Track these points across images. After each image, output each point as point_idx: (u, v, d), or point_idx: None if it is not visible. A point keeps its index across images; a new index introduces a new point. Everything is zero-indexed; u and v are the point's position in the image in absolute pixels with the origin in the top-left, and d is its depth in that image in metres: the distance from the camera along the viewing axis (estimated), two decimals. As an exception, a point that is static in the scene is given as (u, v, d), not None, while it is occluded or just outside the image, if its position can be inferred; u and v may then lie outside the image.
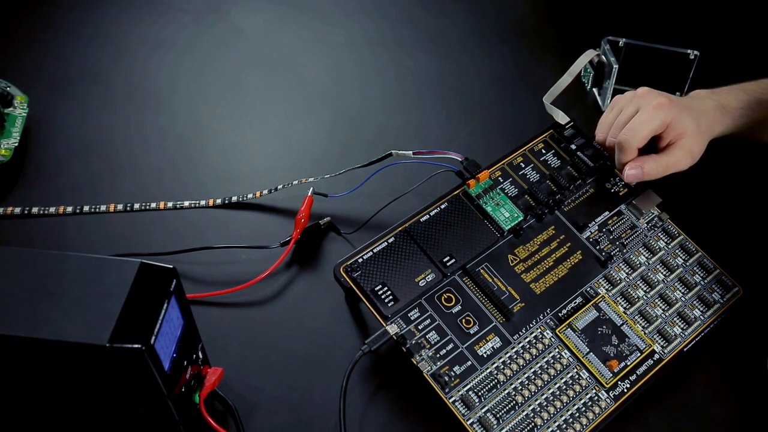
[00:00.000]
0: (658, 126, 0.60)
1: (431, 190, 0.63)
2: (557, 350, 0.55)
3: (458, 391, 0.53)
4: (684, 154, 0.61)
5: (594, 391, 0.54)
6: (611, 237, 0.61)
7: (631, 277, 0.59)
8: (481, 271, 0.58)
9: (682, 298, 0.59)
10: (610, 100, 0.73)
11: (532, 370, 0.54)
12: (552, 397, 0.53)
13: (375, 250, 0.58)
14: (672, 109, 0.60)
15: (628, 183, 0.64)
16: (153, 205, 0.66)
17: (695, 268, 0.60)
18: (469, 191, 0.61)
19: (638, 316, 0.58)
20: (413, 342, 0.54)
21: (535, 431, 0.52)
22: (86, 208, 0.65)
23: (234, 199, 0.66)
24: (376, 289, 0.56)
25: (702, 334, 0.57)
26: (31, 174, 0.68)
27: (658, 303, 0.58)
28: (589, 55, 0.73)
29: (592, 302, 0.58)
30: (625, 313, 0.58)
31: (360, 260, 0.57)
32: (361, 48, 0.81)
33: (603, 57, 0.73)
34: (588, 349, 0.55)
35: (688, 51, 0.72)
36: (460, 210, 0.61)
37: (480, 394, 0.53)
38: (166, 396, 0.45)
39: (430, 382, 0.53)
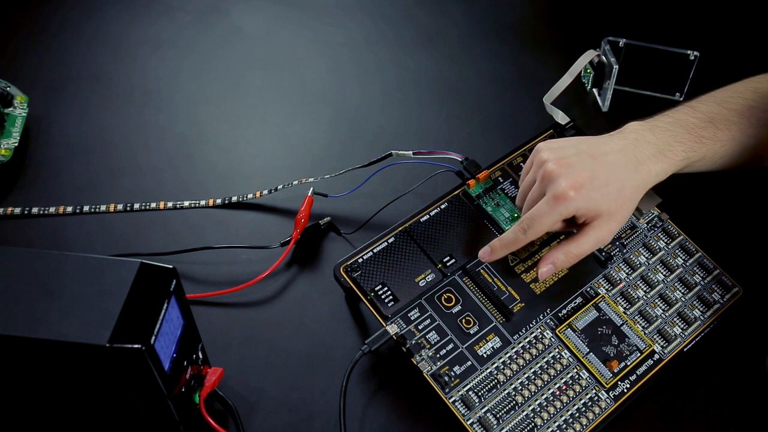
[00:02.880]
0: (558, 221, 0.54)
1: (431, 190, 0.63)
2: (557, 350, 0.55)
3: (458, 391, 0.53)
4: (599, 236, 0.55)
5: (594, 391, 0.54)
6: (611, 237, 0.61)
7: (631, 277, 0.59)
8: (481, 271, 0.58)
9: (682, 298, 0.59)
10: (610, 101, 0.73)
11: (532, 370, 0.54)
12: (552, 397, 0.53)
13: (375, 250, 0.58)
14: (578, 199, 0.53)
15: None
16: (153, 205, 0.66)
17: (695, 268, 0.60)
18: (469, 191, 0.61)
19: (638, 316, 0.58)
20: (413, 342, 0.54)
21: (535, 431, 0.52)
22: (86, 208, 0.65)
23: (234, 199, 0.66)
24: (376, 289, 0.56)
25: (702, 334, 0.57)
26: (31, 174, 0.68)
27: (658, 303, 0.58)
28: (589, 55, 0.73)
29: (592, 302, 0.58)
30: (625, 313, 0.58)
31: (360, 260, 0.57)
32: (361, 48, 0.81)
33: (603, 57, 0.73)
34: (588, 349, 0.55)
35: (688, 51, 0.72)
36: (460, 210, 0.61)
37: (480, 394, 0.53)
38: (166, 396, 0.45)
39: (430, 382, 0.53)
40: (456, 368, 0.54)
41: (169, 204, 0.66)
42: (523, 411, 0.53)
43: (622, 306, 0.58)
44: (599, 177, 0.53)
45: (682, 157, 0.56)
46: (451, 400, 0.52)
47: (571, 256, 0.55)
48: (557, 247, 0.55)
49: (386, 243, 0.58)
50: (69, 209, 0.65)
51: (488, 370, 0.54)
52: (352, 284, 0.56)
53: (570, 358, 0.55)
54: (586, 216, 0.54)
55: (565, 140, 0.57)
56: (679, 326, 0.58)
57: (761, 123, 0.59)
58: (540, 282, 0.58)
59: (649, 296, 0.59)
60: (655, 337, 0.57)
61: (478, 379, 0.53)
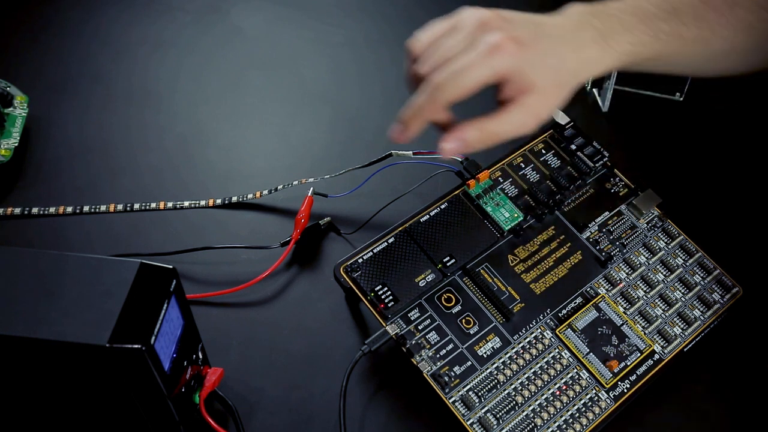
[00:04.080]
0: (488, 78, 0.45)
1: (431, 190, 0.63)
2: (557, 350, 0.55)
3: (458, 391, 0.53)
4: (525, 118, 0.46)
5: (594, 391, 0.54)
6: (611, 237, 0.61)
7: (631, 277, 0.59)
8: (481, 271, 0.58)
9: (682, 299, 0.59)
10: (610, 101, 0.73)
11: (532, 370, 0.54)
12: (552, 398, 0.53)
13: (375, 251, 0.58)
14: (516, 56, 0.44)
15: (451, 156, 0.49)
16: (153, 205, 0.66)
17: (695, 268, 0.60)
18: (469, 191, 0.61)
19: (638, 316, 0.58)
20: (413, 342, 0.54)
21: (535, 431, 0.52)
22: (86, 208, 0.65)
23: (234, 199, 0.66)
24: (376, 289, 0.56)
25: (702, 334, 0.57)
26: (31, 174, 0.68)
27: (658, 303, 0.58)
28: (589, 55, 0.73)
29: (592, 302, 0.58)
30: (625, 313, 0.58)
31: (360, 260, 0.57)
32: (361, 48, 0.81)
33: (603, 57, 0.73)
34: (588, 350, 0.55)
35: (688, 51, 0.72)
36: (460, 210, 0.61)
37: (480, 394, 0.53)
38: (166, 396, 0.45)
39: (430, 382, 0.53)
40: (456, 368, 0.54)
41: (169, 204, 0.66)
42: (523, 411, 0.53)
43: (622, 306, 0.58)
44: (541, 44, 0.45)
45: (628, 51, 0.48)
46: (451, 400, 0.52)
47: (486, 133, 0.46)
48: (470, 122, 0.46)
49: (386, 243, 0.58)
50: (69, 209, 0.65)
51: (488, 371, 0.54)
52: (352, 284, 0.56)
53: (570, 358, 0.55)
54: (518, 84, 0.45)
55: (495, 9, 0.48)
56: (679, 326, 0.58)
57: (742, 26, 0.50)
58: (540, 282, 0.58)
59: (649, 296, 0.59)
60: (655, 337, 0.57)
61: (478, 379, 0.53)
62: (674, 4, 0.49)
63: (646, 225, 0.62)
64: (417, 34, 0.49)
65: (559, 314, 0.57)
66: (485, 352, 0.55)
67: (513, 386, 0.53)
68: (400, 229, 0.59)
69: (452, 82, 0.44)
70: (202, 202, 0.67)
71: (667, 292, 0.59)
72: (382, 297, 0.56)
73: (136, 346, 0.41)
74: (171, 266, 0.45)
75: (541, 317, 0.57)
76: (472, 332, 0.55)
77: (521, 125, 0.46)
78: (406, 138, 0.46)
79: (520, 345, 0.55)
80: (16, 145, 0.67)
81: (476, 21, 0.45)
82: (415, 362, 0.53)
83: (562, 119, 0.68)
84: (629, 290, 0.59)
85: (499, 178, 0.63)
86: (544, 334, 0.56)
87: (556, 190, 0.62)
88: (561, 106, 0.48)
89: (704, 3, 0.50)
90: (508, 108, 0.46)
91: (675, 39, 0.49)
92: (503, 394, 0.53)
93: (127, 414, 0.46)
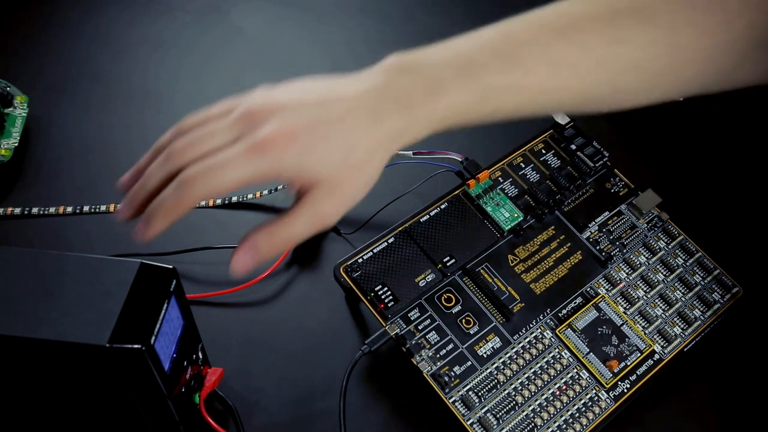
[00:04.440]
0: (249, 179, 0.37)
1: (431, 190, 0.63)
2: (557, 350, 0.55)
3: (458, 391, 0.53)
4: (317, 216, 0.39)
5: (594, 391, 0.54)
6: (611, 237, 0.61)
7: (631, 277, 0.59)
8: (481, 271, 0.58)
9: (682, 298, 0.59)
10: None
11: (532, 370, 0.54)
12: (552, 398, 0.53)
13: (375, 250, 0.58)
14: (286, 153, 0.37)
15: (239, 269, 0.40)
16: (153, 205, 0.66)
17: (695, 268, 0.60)
18: (469, 191, 0.61)
19: (638, 316, 0.58)
20: (413, 342, 0.54)
21: (535, 431, 0.52)
22: (86, 208, 0.65)
23: (234, 199, 0.66)
24: (376, 289, 0.56)
25: (702, 334, 0.57)
26: (31, 174, 0.68)
27: (658, 303, 0.58)
28: (589, 55, 0.73)
29: (592, 302, 0.58)
30: (625, 313, 0.58)
31: (360, 260, 0.57)
32: (361, 48, 0.81)
33: (603, 57, 0.73)
34: (588, 350, 0.55)
35: (688, 51, 0.72)
36: (460, 210, 0.61)
37: (480, 394, 0.53)
38: (166, 396, 0.45)
39: (430, 382, 0.53)
40: (456, 368, 0.54)
41: (169, 204, 0.66)
42: (523, 411, 0.53)
43: (622, 306, 0.58)
44: (319, 132, 0.37)
45: (446, 114, 0.40)
46: (451, 400, 0.52)
47: (277, 239, 0.39)
48: (261, 227, 0.39)
49: (386, 243, 0.58)
50: (69, 209, 0.65)
51: (488, 371, 0.54)
52: (352, 284, 0.56)
53: (570, 358, 0.55)
54: (298, 180, 0.38)
55: (289, 83, 0.41)
56: (679, 326, 0.58)
57: (628, 65, 0.43)
58: (540, 282, 0.58)
59: (649, 296, 0.59)
60: (655, 337, 0.57)
61: (478, 379, 0.53)
62: (519, 46, 0.41)
63: (646, 225, 0.62)
64: (186, 118, 0.42)
65: (559, 314, 0.57)
66: (485, 352, 0.55)
67: (513, 386, 0.53)
68: (400, 229, 0.59)
69: (205, 180, 0.36)
70: (202, 202, 0.66)
71: (667, 292, 0.59)
72: (382, 297, 0.56)
73: (136, 346, 0.41)
74: (171, 266, 0.45)
75: (541, 317, 0.57)
76: (472, 332, 0.55)
77: (315, 222, 0.39)
78: (148, 237, 0.38)
79: (520, 345, 0.55)
80: (16, 145, 0.67)
81: (247, 110, 0.38)
82: (415, 362, 0.54)
83: (562, 119, 0.68)
84: (629, 290, 0.59)
85: (499, 178, 0.63)
86: (544, 334, 0.56)
87: (556, 190, 0.62)
88: (368, 186, 0.40)
89: (566, 41, 0.42)
90: (298, 207, 0.39)
91: (514, 93, 0.41)
92: (503, 394, 0.53)
93: (127, 414, 0.46)
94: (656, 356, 0.56)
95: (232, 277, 0.42)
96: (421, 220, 0.60)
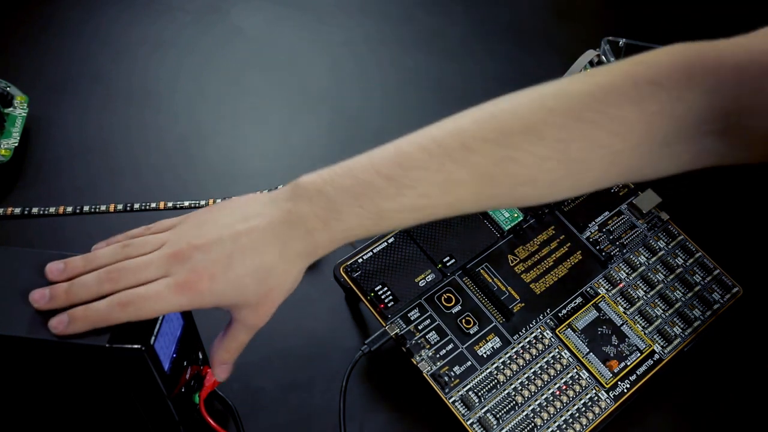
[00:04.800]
0: (172, 311, 0.43)
1: (431, 190, 0.62)
2: (557, 350, 0.55)
3: (458, 391, 0.53)
4: (250, 328, 0.46)
5: (594, 391, 0.54)
6: (611, 237, 0.61)
7: (631, 277, 0.59)
8: (481, 271, 0.58)
9: (682, 298, 0.59)
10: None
11: (532, 370, 0.54)
12: (552, 398, 0.53)
13: (375, 250, 0.58)
14: (207, 294, 0.42)
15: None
16: (153, 205, 0.66)
17: (695, 268, 0.60)
18: (469, 191, 0.61)
19: (638, 316, 0.58)
20: (413, 342, 0.54)
21: (535, 431, 0.52)
22: (86, 208, 0.65)
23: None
24: (376, 289, 0.56)
25: (702, 334, 0.57)
26: (31, 174, 0.68)
27: (658, 303, 0.58)
28: (589, 55, 0.73)
29: (592, 302, 0.58)
30: (625, 313, 0.58)
31: (360, 260, 0.57)
32: (361, 48, 0.81)
33: (603, 57, 0.73)
34: (588, 349, 0.55)
35: (688, 51, 0.72)
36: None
37: (480, 394, 0.53)
38: (166, 396, 0.45)
39: (430, 382, 0.53)
40: (456, 368, 0.54)
41: (169, 204, 0.66)
42: (523, 411, 0.53)
43: (622, 306, 0.58)
44: (236, 266, 0.42)
45: (347, 234, 0.44)
46: (451, 400, 0.52)
47: (232, 350, 0.47)
48: (219, 347, 0.48)
49: (386, 243, 0.58)
50: (69, 209, 0.65)
51: (488, 370, 0.54)
52: (352, 284, 0.56)
53: (570, 358, 0.55)
54: (223, 307, 0.45)
55: (218, 209, 0.46)
56: (679, 326, 0.58)
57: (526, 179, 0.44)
58: (540, 282, 0.58)
59: (649, 296, 0.59)
60: (655, 337, 0.57)
61: (478, 379, 0.53)
62: (413, 170, 0.43)
63: (646, 225, 0.62)
64: (118, 238, 0.47)
65: (559, 314, 0.57)
66: (485, 352, 0.55)
67: (513, 386, 0.53)
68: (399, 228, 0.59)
69: (136, 306, 0.41)
70: (202, 202, 0.66)
71: (667, 292, 0.59)
72: (382, 297, 0.56)
73: (136, 346, 0.41)
74: (171, 266, 0.45)
75: (541, 317, 0.57)
76: (472, 332, 0.55)
77: (251, 330, 0.47)
78: (67, 333, 0.41)
79: (520, 345, 0.55)
80: (16, 145, 0.67)
81: (173, 251, 0.43)
82: (415, 362, 0.54)
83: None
84: (629, 290, 0.59)
85: (499, 178, 0.63)
86: (544, 334, 0.56)
87: (556, 190, 0.62)
88: (288, 293, 0.46)
89: (458, 163, 0.43)
90: (234, 326, 0.46)
91: (408, 213, 0.44)
92: (503, 394, 0.53)
93: (127, 414, 0.46)
94: (656, 356, 0.56)
95: (219, 380, 0.50)
96: (421, 220, 0.60)
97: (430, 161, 0.43)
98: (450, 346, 0.54)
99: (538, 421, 0.52)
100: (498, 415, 0.52)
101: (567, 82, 0.45)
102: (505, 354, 0.55)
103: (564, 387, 0.54)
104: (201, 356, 0.51)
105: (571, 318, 0.57)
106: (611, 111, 0.43)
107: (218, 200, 0.66)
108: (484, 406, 0.52)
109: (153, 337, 0.42)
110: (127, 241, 0.45)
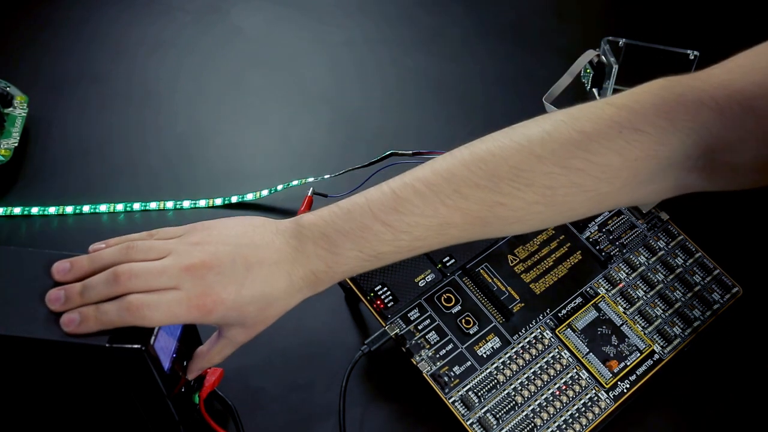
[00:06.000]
0: (177, 323, 0.44)
1: (431, 190, 0.62)
2: (557, 350, 0.55)
3: (458, 391, 0.53)
4: (235, 344, 0.48)
5: (594, 391, 0.54)
6: (611, 237, 0.61)
7: (631, 277, 0.59)
8: (481, 271, 0.58)
9: (682, 299, 0.59)
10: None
11: (532, 370, 0.54)
12: (552, 398, 0.53)
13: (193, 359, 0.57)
14: (215, 315, 0.44)
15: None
16: (153, 205, 0.66)
17: (695, 268, 0.60)
18: (469, 191, 0.61)
19: (638, 316, 0.58)
20: (413, 342, 0.54)
21: (534, 431, 0.52)
22: (86, 208, 0.65)
23: (234, 199, 0.66)
24: (375, 289, 0.56)
25: (702, 334, 0.57)
26: (31, 174, 0.68)
27: (658, 303, 0.58)
28: (589, 55, 0.73)
29: (591, 302, 0.58)
30: (624, 313, 0.58)
31: (360, 260, 0.57)
32: (361, 48, 0.81)
33: (603, 57, 0.73)
34: (588, 349, 0.55)
35: (688, 51, 0.72)
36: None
37: (480, 394, 0.53)
38: (166, 396, 0.45)
39: (430, 382, 0.53)
40: (456, 368, 0.54)
41: (169, 204, 0.66)
42: (522, 411, 0.53)
43: (622, 306, 0.58)
44: (245, 295, 0.44)
45: (347, 274, 0.47)
46: (450, 400, 0.52)
47: (216, 360, 0.49)
48: (203, 357, 0.49)
49: (386, 243, 0.58)
50: (69, 209, 0.65)
51: (488, 371, 0.54)
52: (352, 284, 0.56)
53: (570, 358, 0.55)
54: (221, 325, 0.47)
55: (225, 227, 0.47)
56: (679, 326, 0.58)
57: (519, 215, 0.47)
58: (540, 282, 0.58)
59: (649, 296, 0.59)
60: (655, 337, 0.57)
61: (478, 379, 0.53)
62: (410, 216, 0.45)
63: (646, 225, 0.62)
64: (139, 237, 0.47)
65: (559, 314, 0.57)
66: (485, 352, 0.55)
67: (513, 386, 0.53)
68: (400, 229, 0.59)
69: (146, 312, 0.42)
70: (202, 202, 0.66)
71: (667, 292, 0.59)
72: (382, 297, 0.56)
73: (135, 346, 0.41)
74: (171, 266, 0.45)
75: (541, 317, 0.57)
76: (471, 332, 0.55)
77: (234, 348, 0.48)
78: (79, 331, 0.42)
79: (520, 345, 0.55)
80: (16, 145, 0.67)
81: (187, 265, 0.43)
82: (415, 362, 0.54)
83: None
84: (629, 290, 0.59)
85: (499, 178, 0.63)
86: (544, 334, 0.56)
87: (556, 190, 0.62)
88: (274, 320, 0.47)
89: (451, 207, 0.45)
90: (222, 341, 0.47)
91: (407, 252, 0.47)
92: (503, 394, 0.53)
93: (127, 414, 0.46)
94: (656, 356, 0.56)
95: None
96: (421, 220, 0.60)
97: (424, 207, 0.45)
98: (450, 346, 0.54)
99: (538, 421, 0.52)
100: (498, 415, 0.52)
101: (552, 126, 0.47)
102: (505, 354, 0.55)
103: (564, 387, 0.54)
104: (201, 356, 0.51)
105: (571, 318, 0.57)
106: (597, 159, 0.45)
107: (218, 200, 0.66)
108: (484, 406, 0.52)
109: (153, 337, 0.42)
110: (130, 243, 0.45)
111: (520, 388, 0.53)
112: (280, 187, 0.66)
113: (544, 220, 0.49)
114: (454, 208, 0.45)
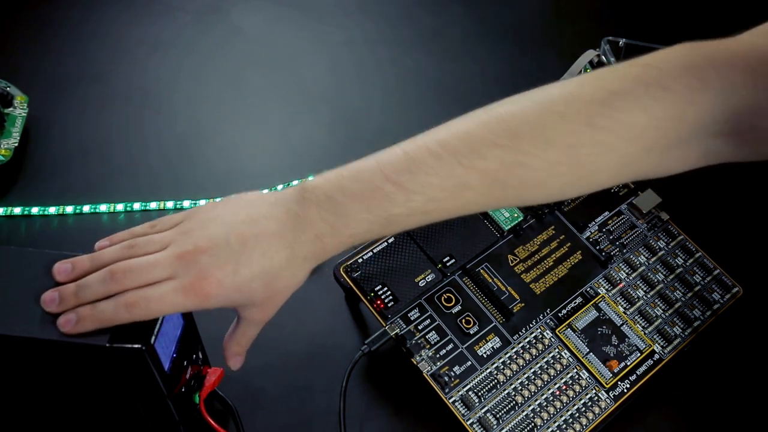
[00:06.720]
0: (177, 312, 0.44)
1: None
2: (557, 350, 0.55)
3: (458, 391, 0.53)
4: (257, 324, 0.47)
5: (594, 391, 0.54)
6: (611, 237, 0.61)
7: (631, 277, 0.59)
8: (481, 271, 0.58)
9: (682, 299, 0.59)
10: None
11: (532, 370, 0.54)
12: (552, 398, 0.53)
13: (375, 250, 0.58)
14: (216, 298, 0.42)
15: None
16: (153, 205, 0.66)
17: (695, 268, 0.60)
18: (469, 191, 0.61)
19: (638, 316, 0.58)
20: (413, 342, 0.54)
21: (535, 431, 0.52)
22: (86, 208, 0.65)
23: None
24: (376, 289, 0.56)
25: (702, 334, 0.57)
26: (31, 174, 0.68)
27: (658, 303, 0.58)
28: (589, 55, 0.73)
29: (592, 302, 0.58)
30: (625, 313, 0.58)
31: (360, 260, 0.57)
32: (361, 48, 0.81)
33: (603, 57, 0.73)
34: (588, 349, 0.55)
35: (688, 51, 0.72)
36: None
37: (480, 394, 0.53)
38: (166, 396, 0.45)
39: (430, 382, 0.53)
40: (456, 368, 0.54)
41: (169, 204, 0.66)
42: (523, 411, 0.53)
43: (622, 306, 0.58)
44: (243, 271, 0.42)
45: (355, 240, 0.44)
46: (451, 400, 0.52)
47: (243, 343, 0.48)
48: (230, 341, 0.48)
49: (386, 243, 0.58)
50: (69, 209, 0.65)
51: (488, 370, 0.54)
52: (352, 284, 0.56)
53: (570, 358, 0.55)
54: (232, 306, 0.45)
55: (221, 208, 0.46)
56: (679, 326, 0.58)
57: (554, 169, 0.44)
58: (540, 282, 0.58)
59: (649, 296, 0.59)
60: (655, 337, 0.57)
61: (478, 379, 0.53)
62: (422, 176, 0.43)
63: (646, 225, 0.62)
64: (126, 234, 0.46)
65: (559, 314, 0.57)
66: (485, 352, 0.55)
67: (513, 386, 0.53)
68: (400, 229, 0.59)
69: (143, 306, 0.41)
70: (202, 202, 0.66)
71: (667, 292, 0.59)
72: (382, 297, 0.56)
73: (136, 346, 0.41)
74: (171, 266, 0.45)
75: (541, 317, 0.57)
76: (472, 332, 0.55)
77: (258, 326, 0.47)
78: (74, 332, 0.41)
79: (520, 345, 0.55)
80: (16, 145, 0.67)
81: (180, 252, 0.42)
82: (415, 362, 0.53)
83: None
84: (629, 290, 0.59)
85: (499, 178, 0.63)
86: (544, 334, 0.56)
87: (556, 190, 0.62)
88: (292, 292, 0.46)
89: (468, 167, 0.43)
90: (243, 323, 0.47)
91: (418, 216, 0.44)
92: (503, 394, 0.53)
93: (127, 414, 0.46)
94: (656, 356, 0.56)
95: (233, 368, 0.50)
96: (421, 220, 0.60)
97: (439, 167, 0.43)
98: (450, 346, 0.54)
99: (538, 421, 0.52)
100: (498, 415, 0.52)
101: (576, 86, 0.45)
102: (505, 354, 0.55)
103: (564, 387, 0.54)
104: (201, 356, 0.51)
105: (571, 318, 0.57)
106: (622, 117, 0.43)
107: (218, 200, 0.66)
108: (484, 406, 0.52)
109: (153, 337, 0.42)
110: (131, 240, 0.45)
111: (520, 388, 0.53)
112: (280, 187, 0.65)
113: (566, 184, 0.46)
114: (470, 168, 0.43)
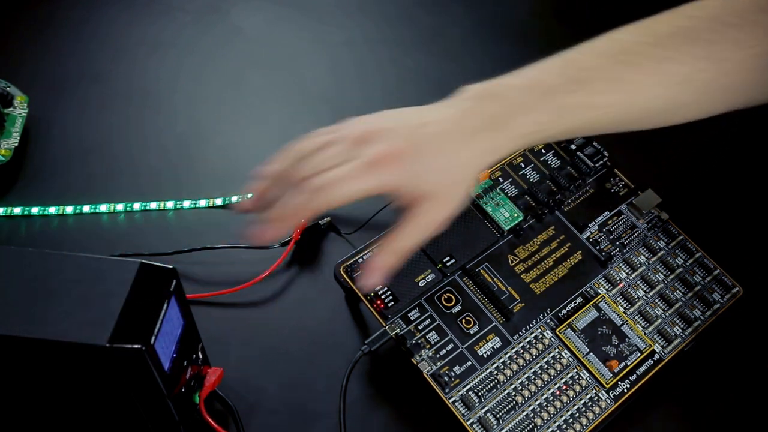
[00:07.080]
0: (368, 192, 0.43)
1: (431, 190, 0.62)
2: (557, 350, 0.55)
3: (458, 391, 0.53)
4: (426, 225, 0.45)
5: (594, 391, 0.54)
6: (611, 237, 0.61)
7: (631, 277, 0.59)
8: (481, 271, 0.58)
9: (682, 298, 0.59)
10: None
11: (532, 370, 0.54)
12: (552, 398, 0.53)
13: (375, 251, 0.58)
14: (397, 170, 0.42)
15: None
16: (153, 205, 0.66)
17: (695, 268, 0.60)
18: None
19: (638, 316, 0.58)
20: (413, 342, 0.54)
21: (535, 431, 0.52)
22: (86, 208, 0.65)
23: (234, 199, 0.66)
24: (376, 289, 0.56)
25: (702, 334, 0.57)
26: (31, 174, 0.68)
27: (658, 303, 0.58)
28: (590, 55, 0.73)
29: (592, 302, 0.58)
30: (625, 313, 0.58)
31: (360, 260, 0.57)
32: (361, 48, 0.81)
33: (603, 57, 0.73)
34: (588, 350, 0.55)
35: (688, 51, 0.72)
36: (460, 210, 0.61)
37: (480, 394, 0.53)
38: (166, 396, 0.45)
39: (430, 382, 0.53)
40: (456, 368, 0.54)
41: (169, 204, 0.66)
42: (523, 411, 0.53)
43: (622, 306, 0.58)
44: (423, 150, 0.43)
45: (527, 132, 0.45)
46: (451, 400, 0.52)
47: (398, 252, 0.45)
48: (388, 244, 0.45)
49: (386, 243, 0.58)
50: (69, 209, 0.65)
51: (488, 370, 0.54)
52: (352, 284, 0.56)
53: (570, 358, 0.55)
54: (407, 195, 0.44)
55: (381, 113, 0.47)
56: (679, 326, 0.58)
57: (677, 80, 0.48)
58: (540, 282, 0.58)
59: (649, 296, 0.59)
60: (655, 337, 0.57)
61: (478, 379, 0.53)
62: (583, 70, 0.46)
63: (646, 225, 0.62)
64: (296, 141, 0.47)
65: (559, 314, 0.57)
66: (485, 352, 0.55)
67: (513, 386, 0.53)
68: (400, 229, 0.59)
69: (333, 189, 0.42)
70: (202, 202, 0.66)
71: (667, 292, 0.59)
72: (382, 297, 0.56)
73: (136, 346, 0.41)
74: (171, 266, 0.45)
75: (541, 317, 0.57)
76: (472, 332, 0.55)
77: (425, 230, 0.45)
78: (271, 238, 0.42)
79: (520, 345, 0.55)
80: (16, 145, 0.67)
81: (356, 133, 0.44)
82: (415, 362, 0.53)
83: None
84: (629, 290, 0.59)
85: (499, 178, 0.63)
86: (544, 334, 0.56)
87: (556, 190, 0.62)
88: (465, 197, 0.46)
89: (622, 63, 0.47)
90: (408, 220, 0.45)
91: (585, 110, 0.46)
92: (503, 394, 0.53)
93: (127, 414, 0.46)
94: (656, 356, 0.56)
95: (363, 289, 0.50)
96: (421, 220, 0.60)
97: (598, 62, 0.46)
98: (450, 346, 0.54)
99: (538, 421, 0.52)
100: (498, 415, 0.52)
101: (697, 7, 0.49)
102: (505, 354, 0.55)
103: (564, 387, 0.54)
104: (201, 356, 0.51)
105: (571, 318, 0.57)
106: (752, 17, 0.47)
107: (218, 201, 0.66)
108: (484, 406, 0.52)
109: (153, 337, 0.42)
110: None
111: (520, 387, 0.53)
112: (280, 187, 0.65)
113: (708, 81, 0.48)
114: (626, 63, 0.46)
